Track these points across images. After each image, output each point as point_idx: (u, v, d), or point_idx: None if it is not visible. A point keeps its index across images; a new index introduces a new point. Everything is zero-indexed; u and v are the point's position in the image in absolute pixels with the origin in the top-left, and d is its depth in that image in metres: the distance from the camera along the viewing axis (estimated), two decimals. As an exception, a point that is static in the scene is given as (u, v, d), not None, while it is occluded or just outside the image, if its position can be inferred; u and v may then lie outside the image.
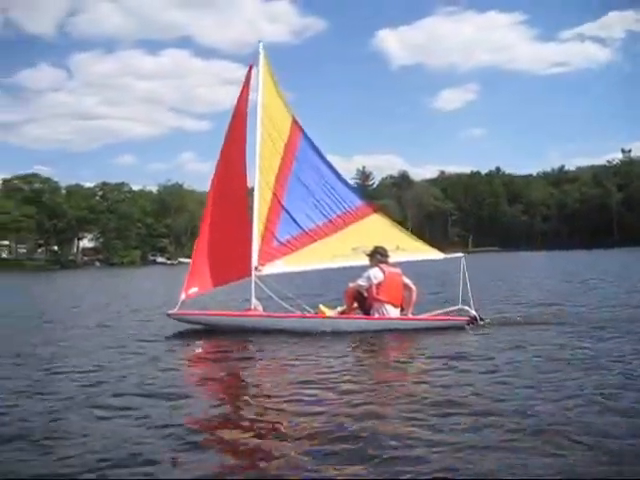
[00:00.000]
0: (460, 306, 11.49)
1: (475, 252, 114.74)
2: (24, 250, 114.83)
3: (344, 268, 12.16)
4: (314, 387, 6.98)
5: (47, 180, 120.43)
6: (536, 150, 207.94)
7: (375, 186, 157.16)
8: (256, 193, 12.16)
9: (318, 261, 12.28)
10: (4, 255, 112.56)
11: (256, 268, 11.99)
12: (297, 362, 8.61)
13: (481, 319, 11.32)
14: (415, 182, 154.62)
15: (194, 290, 12.09)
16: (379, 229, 12.43)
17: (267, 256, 12.14)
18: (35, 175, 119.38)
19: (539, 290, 19.29)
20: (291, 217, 12.27)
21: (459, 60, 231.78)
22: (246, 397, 6.95)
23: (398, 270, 11.45)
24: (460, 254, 12.17)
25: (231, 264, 12.08)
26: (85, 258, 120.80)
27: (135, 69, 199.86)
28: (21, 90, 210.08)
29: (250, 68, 12.50)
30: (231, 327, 11.53)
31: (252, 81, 12.50)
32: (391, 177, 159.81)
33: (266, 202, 12.21)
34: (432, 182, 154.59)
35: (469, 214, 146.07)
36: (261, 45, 12.49)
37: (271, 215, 12.24)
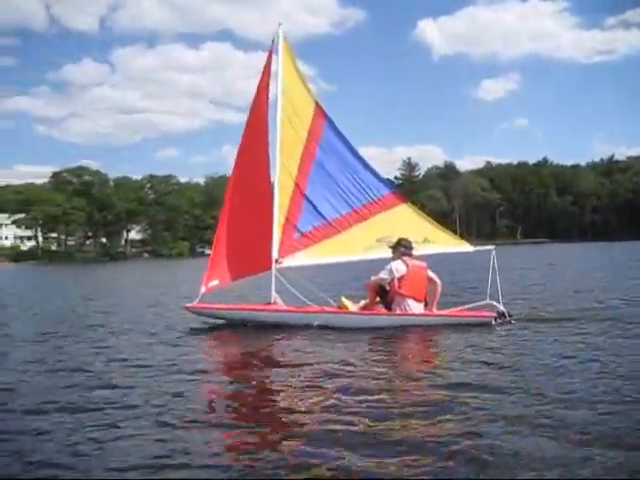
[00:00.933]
0: (488, 301, 10.93)
1: (524, 243, 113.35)
2: (72, 242, 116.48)
3: (370, 260, 11.66)
4: (325, 386, 6.74)
5: (96, 173, 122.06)
6: (580, 140, 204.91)
7: (421, 177, 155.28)
8: (276, 182, 11.72)
9: (342, 253, 11.79)
10: (53, 247, 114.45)
11: (276, 261, 11.58)
12: (311, 358, 8.38)
13: (509, 315, 10.72)
14: (462, 173, 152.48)
15: (215, 283, 11.76)
16: (406, 220, 11.86)
17: (288, 248, 11.70)
18: (84, 168, 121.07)
19: (581, 284, 18.45)
20: (314, 207, 11.79)
21: (501, 49, 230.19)
22: (258, 395, 6.78)
23: (423, 263, 10.92)
24: (491, 246, 11.59)
25: (252, 256, 11.69)
26: (133, 250, 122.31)
27: (176, 63, 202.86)
28: (65, 85, 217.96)
29: (270, 54, 12.01)
30: (250, 321, 11.18)
31: (273, 67, 12.02)
32: (436, 168, 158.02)
33: (287, 192, 11.76)
34: (478, 173, 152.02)
35: (517, 205, 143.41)
36: (280, 29, 11.98)
37: (292, 205, 11.78)
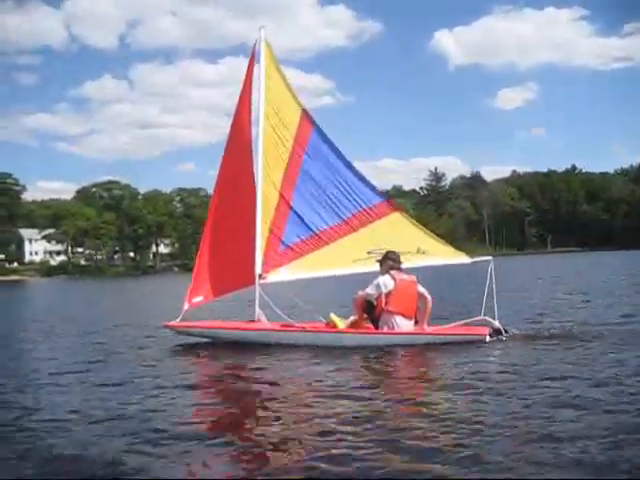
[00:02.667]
0: (482, 317, 10.24)
1: (554, 252, 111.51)
2: (100, 257, 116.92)
3: (361, 273, 11.03)
4: (305, 407, 6.49)
5: (126, 187, 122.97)
6: (602, 148, 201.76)
7: (447, 187, 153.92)
8: (259, 193, 11.13)
9: (330, 266, 11.16)
10: (82, 262, 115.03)
11: (260, 276, 11.00)
12: (294, 378, 8.13)
13: (505, 332, 10.02)
14: (488, 182, 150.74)
15: (199, 299, 11.26)
16: (399, 230, 11.21)
17: (272, 262, 11.11)
18: (114, 182, 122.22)
19: (602, 296, 17.41)
20: (300, 218, 11.20)
21: (517, 59, 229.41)
22: (243, 413, 6.61)
23: (413, 278, 10.28)
24: (488, 257, 10.90)
25: (236, 271, 11.15)
26: (162, 264, 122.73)
27: (194, 78, 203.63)
28: (85, 102, 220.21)
29: (252, 60, 11.48)
30: (233, 340, 10.63)
31: (255, 74, 11.47)
32: (462, 177, 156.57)
33: (272, 203, 11.18)
34: (504, 182, 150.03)
35: (546, 214, 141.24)
36: (262, 33, 11.44)
37: (277, 216, 11.20)
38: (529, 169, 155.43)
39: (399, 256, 10.35)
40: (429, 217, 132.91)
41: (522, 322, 11.72)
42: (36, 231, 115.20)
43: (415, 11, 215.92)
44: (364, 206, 11.31)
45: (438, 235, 11.50)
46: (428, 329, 10.14)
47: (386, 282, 10.09)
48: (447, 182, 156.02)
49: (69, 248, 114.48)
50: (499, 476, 4.29)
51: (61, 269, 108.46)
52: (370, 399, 6.70)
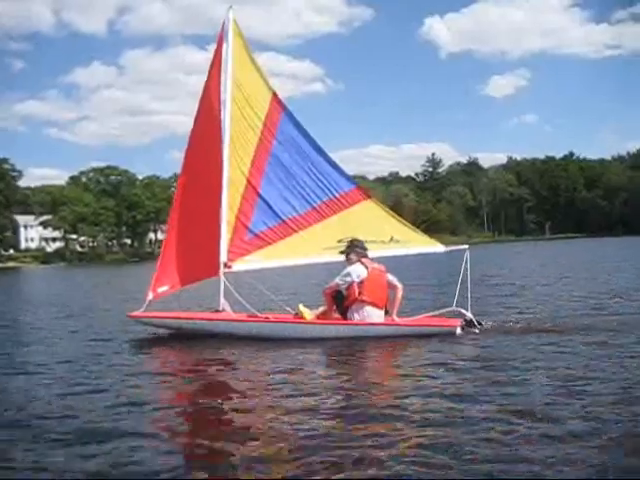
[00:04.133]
0: (454, 307, 9.91)
1: (553, 239, 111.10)
2: (94, 244, 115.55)
3: (330, 262, 10.72)
4: (273, 400, 6.31)
5: (125, 172, 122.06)
6: (593, 135, 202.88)
7: (444, 173, 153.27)
8: (225, 179, 10.75)
9: (299, 255, 10.83)
10: (78, 248, 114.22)
11: (225, 264, 10.65)
12: (257, 371, 7.97)
13: (479, 323, 9.70)
14: (486, 169, 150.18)
15: (164, 289, 10.88)
16: (371, 218, 10.86)
17: (238, 250, 10.75)
18: (112, 167, 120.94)
19: (590, 285, 17.05)
20: (268, 205, 10.83)
21: (509, 46, 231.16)
22: (213, 407, 6.28)
23: (382, 266, 9.97)
24: (464, 246, 10.55)
25: (202, 259, 10.79)
26: (160, 250, 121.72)
27: (184, 64, 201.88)
28: (75, 88, 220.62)
29: (220, 41, 11.04)
30: (196, 331, 10.30)
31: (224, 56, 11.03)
32: (458, 164, 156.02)
33: (238, 189, 10.80)
34: (501, 168, 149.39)
35: (545, 200, 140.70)
36: (231, 13, 11.00)
37: (244, 203, 10.81)
38: (520, 156, 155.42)
39: (364, 244, 10.04)
40: (427, 203, 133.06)
41: (499, 313, 11.42)
42: (32, 217, 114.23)
43: None
44: (335, 193, 10.95)
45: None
46: (398, 320, 9.83)
47: (358, 271, 9.78)
48: (443, 168, 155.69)
49: (66, 235, 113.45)
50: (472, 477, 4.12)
51: (58, 256, 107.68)
52: (334, 393, 6.54)
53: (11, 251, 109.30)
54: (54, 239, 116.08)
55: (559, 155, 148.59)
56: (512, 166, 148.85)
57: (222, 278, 10.54)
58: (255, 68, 11.07)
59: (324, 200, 10.91)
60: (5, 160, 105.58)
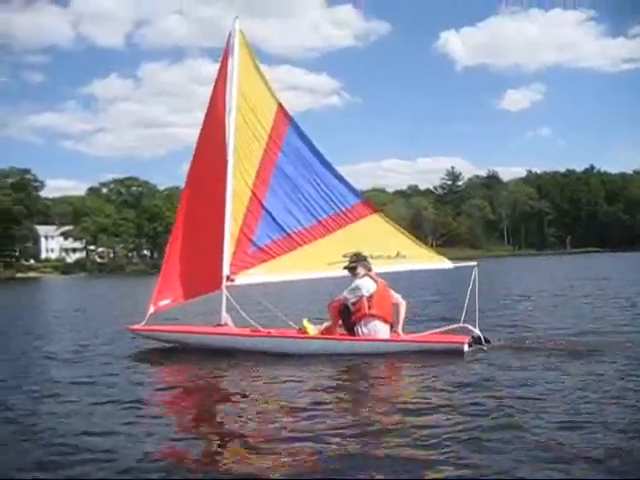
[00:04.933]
0: (462, 324, 9.64)
1: (574, 253, 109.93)
2: (114, 254, 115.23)
3: (335, 277, 10.51)
4: (275, 417, 6.22)
5: (145, 183, 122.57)
6: (609, 149, 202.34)
7: (463, 187, 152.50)
8: (230, 191, 10.59)
9: (303, 269, 10.61)
10: (98, 259, 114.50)
11: (227, 278, 10.46)
12: (258, 387, 7.79)
13: (487, 341, 9.41)
14: (506, 182, 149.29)
15: (166, 302, 10.75)
16: (377, 232, 10.63)
17: (241, 264, 10.56)
18: (133, 178, 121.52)
19: (610, 303, 16.37)
20: (272, 218, 10.64)
21: (524, 60, 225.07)
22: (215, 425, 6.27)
23: (384, 281, 9.76)
24: (473, 262, 10.26)
25: (205, 273, 10.61)
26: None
27: (201, 77, 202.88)
28: (92, 101, 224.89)
29: (226, 51, 10.92)
30: (197, 345, 10.13)
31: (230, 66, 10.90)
32: (477, 177, 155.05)
33: (243, 201, 10.62)
34: (521, 182, 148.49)
35: (565, 214, 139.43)
36: (237, 23, 10.88)
37: (249, 216, 10.63)
38: (537, 170, 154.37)
39: (367, 258, 9.88)
40: (447, 216, 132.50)
41: (509, 330, 11.13)
42: (52, 228, 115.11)
43: (422, 12, 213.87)
44: (341, 207, 10.75)
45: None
46: (403, 336, 9.60)
47: (368, 285, 9.58)
48: (462, 182, 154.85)
49: (87, 245, 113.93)
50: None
51: (79, 266, 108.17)
52: (337, 411, 6.44)
53: (31, 261, 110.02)
54: (74, 250, 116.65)
55: (579, 168, 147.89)
56: (532, 179, 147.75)
57: (224, 291, 10.35)
58: (261, 79, 10.93)
59: (330, 214, 10.71)
60: (27, 171, 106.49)
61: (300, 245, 10.66)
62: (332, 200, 10.75)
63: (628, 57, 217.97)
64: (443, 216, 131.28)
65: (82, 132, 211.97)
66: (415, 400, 6.62)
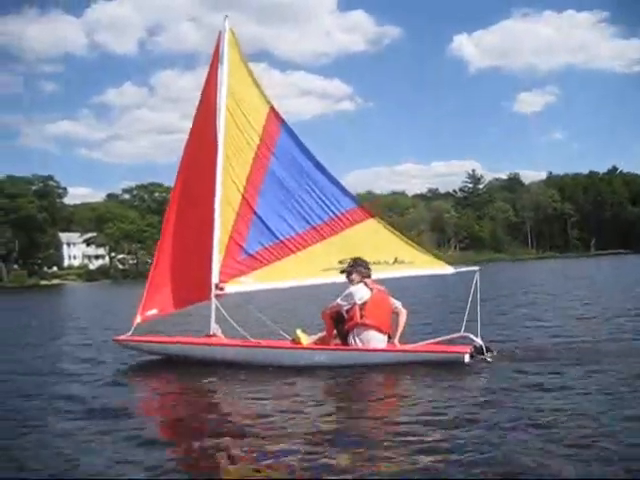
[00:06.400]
0: (463, 333, 9.17)
1: (598, 255, 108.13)
2: (133, 261, 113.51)
3: (330, 284, 10.07)
4: (264, 432, 5.95)
5: (169, 189, 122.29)
6: (624, 151, 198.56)
7: (484, 189, 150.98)
8: (219, 196, 10.19)
9: (296, 277, 10.18)
10: (120, 266, 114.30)
11: (217, 286, 10.05)
12: (248, 398, 7.61)
13: (488, 350, 8.93)
14: (528, 184, 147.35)
15: (153, 312, 10.36)
16: (374, 237, 10.19)
17: (231, 271, 10.14)
18: (156, 184, 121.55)
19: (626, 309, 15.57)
20: (264, 224, 10.23)
21: (537, 62, 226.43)
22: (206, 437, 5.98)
23: (384, 289, 9.30)
24: (475, 267, 9.82)
25: (194, 282, 10.22)
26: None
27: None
28: (107, 108, 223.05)
29: (216, 52, 10.54)
30: (186, 357, 9.76)
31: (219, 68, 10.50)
32: (497, 180, 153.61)
33: (233, 206, 10.22)
34: (543, 184, 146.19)
35: (588, 216, 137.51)
36: (227, 23, 10.48)
37: (239, 222, 10.22)
38: (555, 172, 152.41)
39: (368, 264, 9.39)
40: (469, 219, 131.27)
41: (513, 339, 10.62)
42: (75, 235, 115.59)
43: (434, 15, 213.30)
44: (336, 212, 10.32)
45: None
46: (400, 346, 9.15)
47: (361, 292, 9.18)
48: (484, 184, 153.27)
49: (110, 252, 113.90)
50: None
51: (102, 273, 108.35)
52: (327, 421, 6.39)
53: (54, 268, 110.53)
54: (97, 256, 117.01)
55: (600, 170, 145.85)
56: (554, 182, 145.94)
57: (213, 300, 9.96)
58: (252, 80, 10.55)
59: (324, 219, 10.29)
60: (50, 177, 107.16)
61: (293, 252, 10.24)
62: (326, 205, 10.34)
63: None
64: (465, 219, 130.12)
65: (97, 139, 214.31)
66: (407, 416, 6.38)
